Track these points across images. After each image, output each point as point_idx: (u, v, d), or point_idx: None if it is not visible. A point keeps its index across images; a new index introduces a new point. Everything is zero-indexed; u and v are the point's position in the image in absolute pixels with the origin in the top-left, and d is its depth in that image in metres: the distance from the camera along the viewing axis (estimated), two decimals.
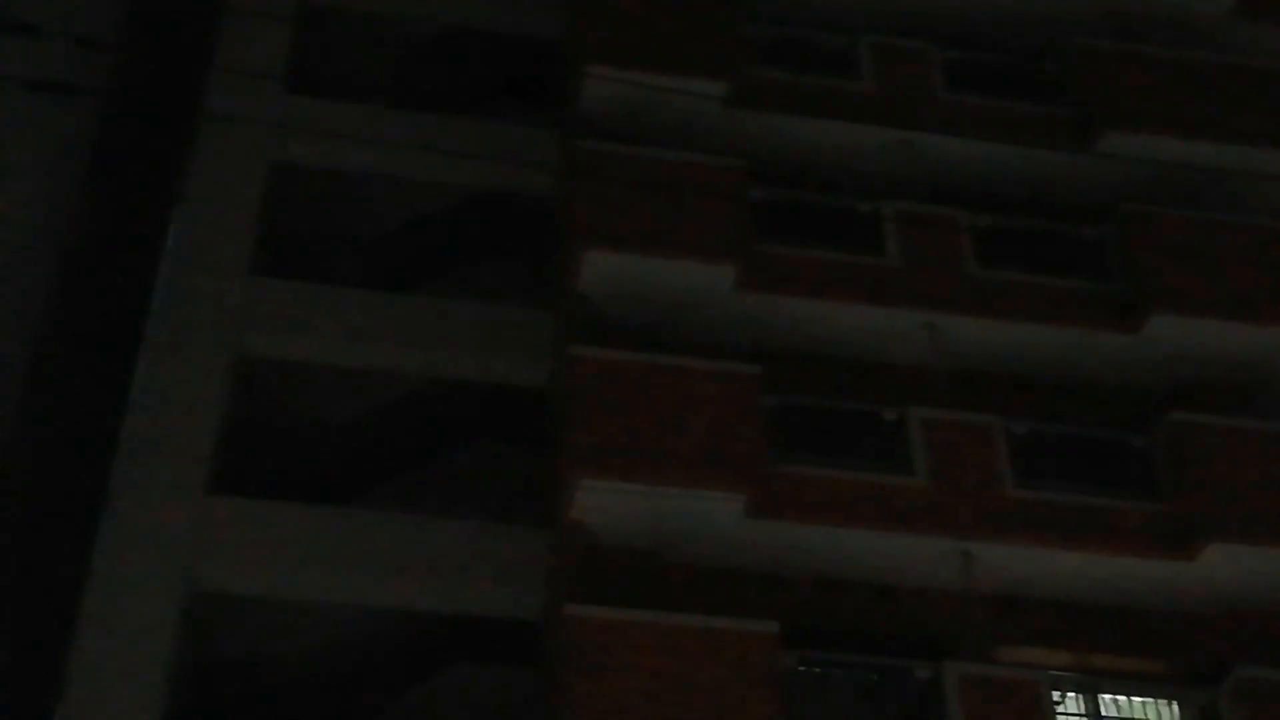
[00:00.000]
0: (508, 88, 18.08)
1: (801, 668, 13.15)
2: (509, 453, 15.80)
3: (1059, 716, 13.24)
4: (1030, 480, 14.12)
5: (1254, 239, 15.84)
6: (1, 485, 14.87)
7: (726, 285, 14.68)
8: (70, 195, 16.24)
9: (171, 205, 15.56)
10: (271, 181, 15.91)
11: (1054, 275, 15.48)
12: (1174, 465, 14.27)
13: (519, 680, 14.18)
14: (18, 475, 15.13)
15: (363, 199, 16.70)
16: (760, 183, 15.59)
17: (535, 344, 15.29)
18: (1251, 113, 16.66)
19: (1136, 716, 13.66)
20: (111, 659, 12.94)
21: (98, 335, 16.37)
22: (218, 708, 14.52)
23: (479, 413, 16.00)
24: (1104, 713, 13.59)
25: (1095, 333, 15.13)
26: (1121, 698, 13.73)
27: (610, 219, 14.76)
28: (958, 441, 14.20)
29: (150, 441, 14.04)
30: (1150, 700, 13.74)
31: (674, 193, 14.95)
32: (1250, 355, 15.25)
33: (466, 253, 16.94)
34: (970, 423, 14.36)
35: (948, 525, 13.65)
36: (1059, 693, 13.46)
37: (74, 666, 12.89)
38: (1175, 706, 13.71)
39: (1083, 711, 13.55)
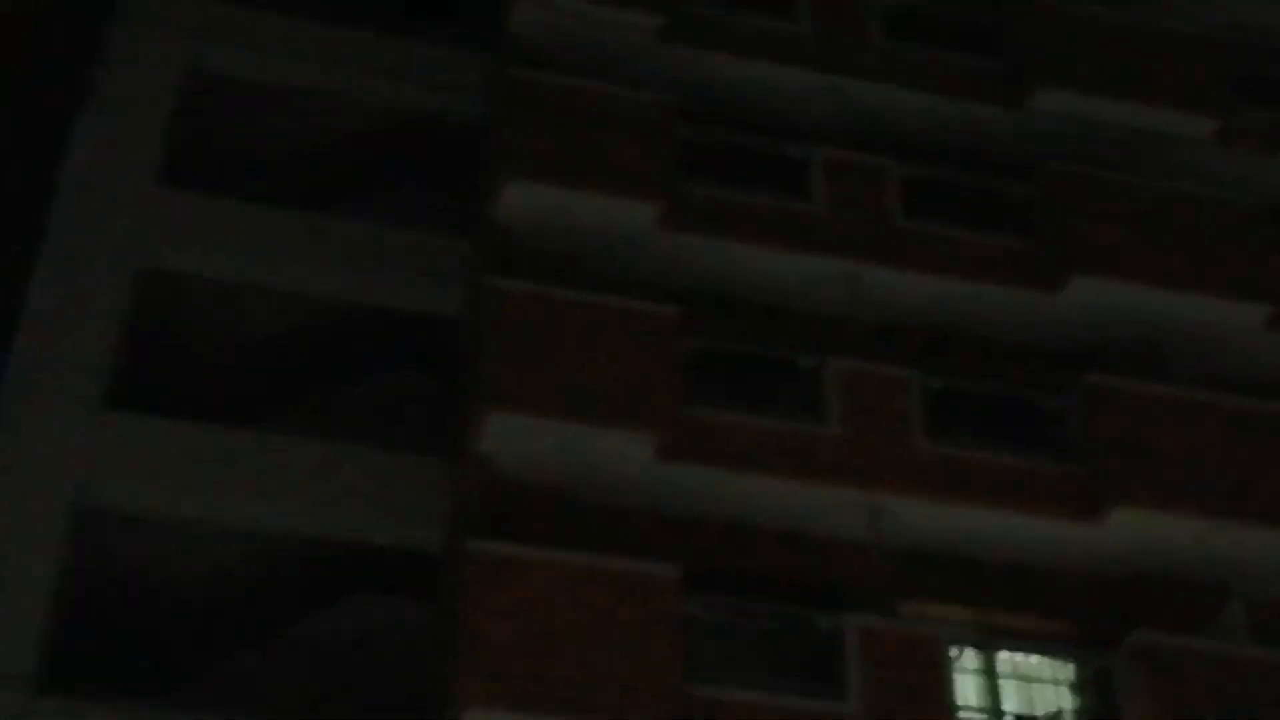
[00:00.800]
0: (429, 4, 17.71)
1: (703, 613, 13.06)
2: (418, 382, 15.59)
3: (955, 673, 13.26)
4: (943, 436, 14.09)
5: (1179, 204, 15.85)
6: None
7: (649, 223, 14.48)
8: None
9: (77, 109, 15.08)
10: (185, 90, 15.48)
11: (979, 231, 15.41)
12: (1086, 427, 14.29)
13: (417, 613, 14.02)
14: None
15: (281, 114, 16.29)
16: (690, 121, 15.38)
17: (451, 272, 15.06)
18: (1181, 76, 16.64)
19: (1032, 675, 13.74)
20: None
21: None
22: (107, 629, 14.27)
23: (390, 339, 15.76)
24: (1000, 670, 13.66)
25: (1017, 290, 15.07)
26: (1019, 656, 13.80)
27: (535, 149, 14.51)
28: (873, 394, 14.13)
29: (46, 353, 13.69)
30: (1047, 660, 13.83)
31: (602, 126, 14.75)
32: (1169, 320, 15.26)
33: (386, 176, 16.65)
34: (886, 375, 14.29)
35: (858, 477, 13.60)
36: (957, 648, 13.49)
37: None
38: (1071, 667, 13.80)
39: (979, 668, 13.60)
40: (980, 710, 13.33)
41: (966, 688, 13.37)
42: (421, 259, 15.11)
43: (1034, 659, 13.78)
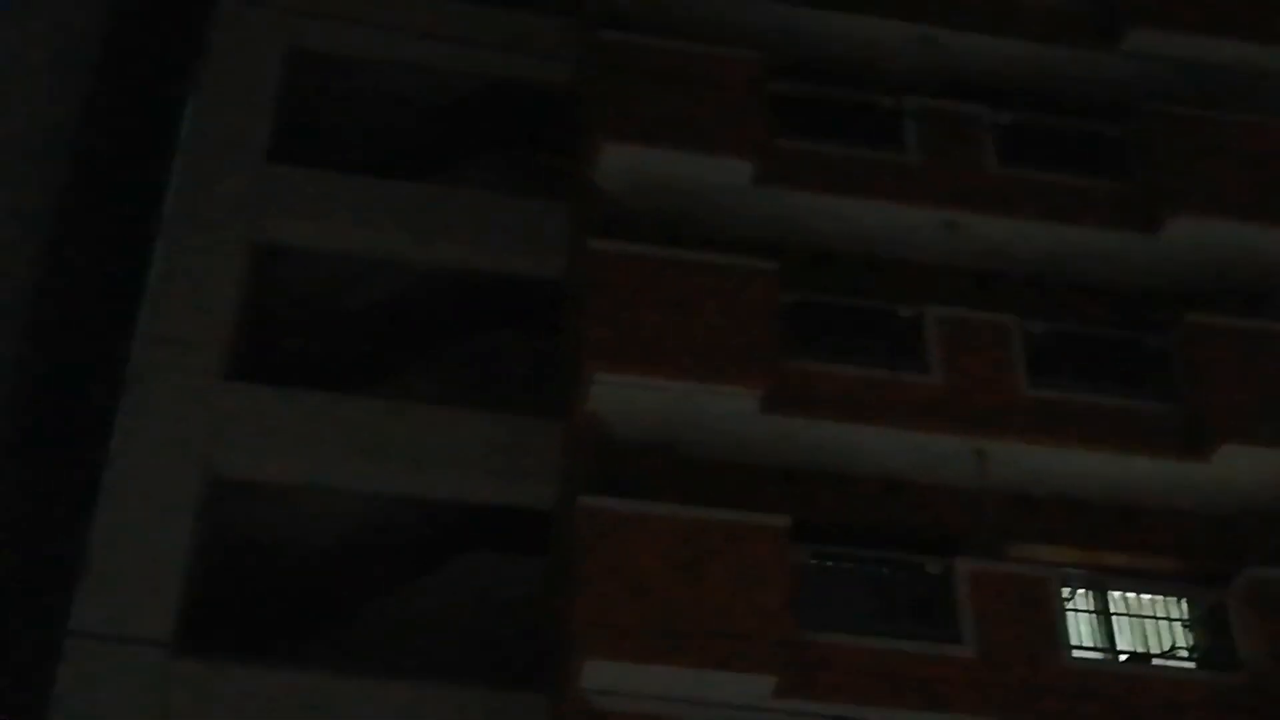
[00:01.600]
0: None
1: (813, 561, 13.25)
2: (524, 344, 15.82)
3: (1068, 613, 13.34)
4: (1045, 380, 14.13)
5: (1276, 140, 15.68)
6: (21, 375, 14.97)
7: (745, 180, 14.60)
8: (84, 86, 16.16)
9: (187, 93, 15.45)
10: (287, 68, 15.78)
11: (1075, 174, 15.37)
12: (1189, 366, 14.27)
13: (531, 569, 14.30)
14: (37, 364, 15.23)
15: (380, 87, 16.55)
16: (781, 77, 15.45)
17: (552, 236, 15.25)
18: (1276, 12, 16.44)
19: (1145, 614, 13.79)
20: (131, 544, 13.07)
21: (114, 225, 16.40)
22: (234, 593, 14.69)
23: (495, 303, 16.00)
24: (1113, 609, 13.72)
25: (1115, 232, 15.05)
26: (1131, 595, 13.86)
27: (629, 111, 14.66)
28: (973, 340, 14.20)
29: (168, 329, 14.06)
30: (1159, 598, 13.87)
31: (694, 85, 14.85)
32: (1269, 256, 15.17)
33: (484, 142, 16.82)
34: (987, 321, 14.35)
35: (961, 423, 13.69)
36: (1068, 589, 13.55)
37: (94, 551, 13.02)
38: (1184, 604, 13.83)
39: (1092, 608, 13.67)
40: (1095, 649, 13.41)
41: (1080, 627, 13.46)
42: (522, 223, 15.31)
43: (1146, 597, 13.84)
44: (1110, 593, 13.79)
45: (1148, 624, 13.76)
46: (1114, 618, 13.67)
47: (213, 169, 14.95)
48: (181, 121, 15.23)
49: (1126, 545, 13.93)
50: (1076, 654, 13.06)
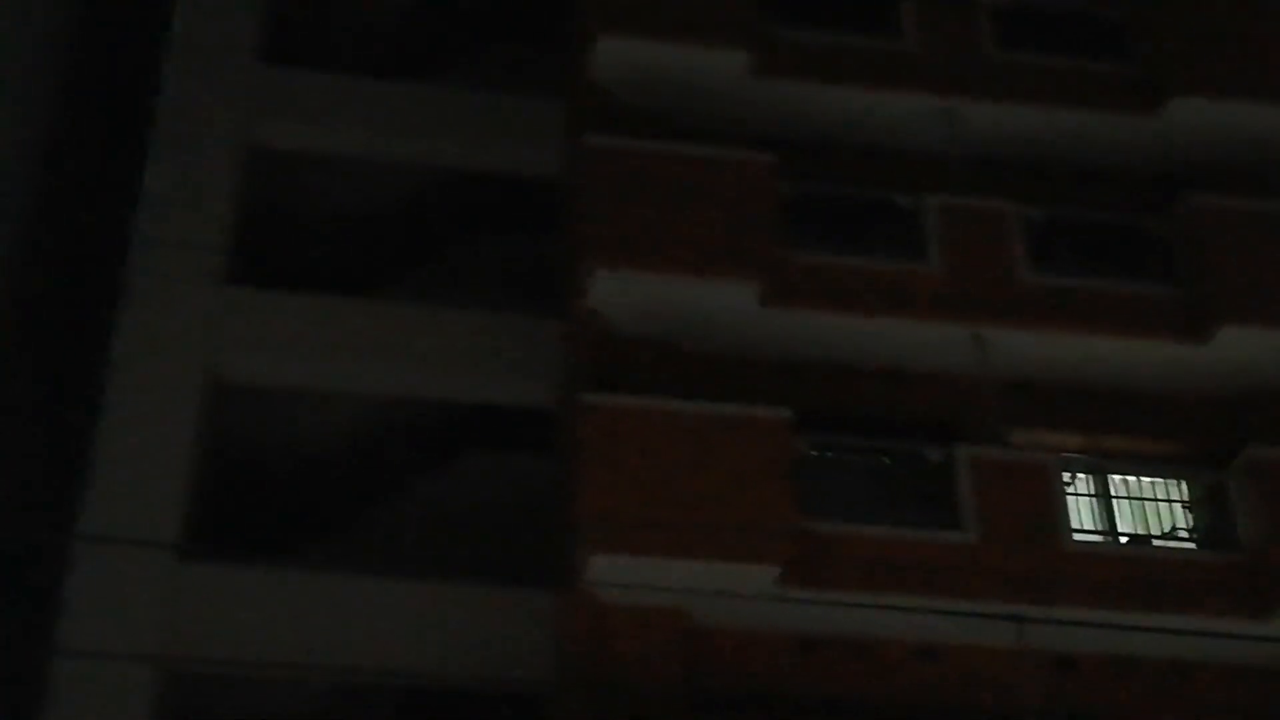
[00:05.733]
0: None
1: (814, 452, 13.29)
2: (523, 243, 15.77)
3: (1068, 497, 13.41)
4: (1046, 266, 14.08)
5: (1274, 19, 15.48)
6: (19, 282, 14.96)
7: (740, 71, 14.45)
8: None
9: None
10: None
11: (1073, 57, 15.20)
12: (1190, 248, 14.21)
13: (534, 467, 14.37)
14: (34, 271, 15.22)
15: None
16: None
17: (548, 133, 15.14)
18: None
19: (1145, 496, 13.86)
20: (135, 448, 13.13)
21: (106, 129, 16.29)
22: (240, 496, 14.79)
23: (493, 203, 15.93)
24: (1113, 493, 13.79)
25: (1114, 115, 14.90)
26: (1131, 478, 13.91)
27: (623, 4, 14.48)
28: (973, 228, 14.13)
29: (165, 233, 14.03)
30: (1159, 480, 13.93)
31: None
32: (1271, 136, 15.03)
33: (477, 40, 16.67)
34: (986, 209, 14.27)
35: (961, 311, 13.66)
36: (1069, 474, 13.60)
37: (99, 456, 13.08)
38: (1184, 486, 13.89)
39: (1092, 492, 13.74)
40: (1096, 533, 13.48)
41: (1081, 512, 13.53)
42: (519, 121, 15.22)
43: (1147, 480, 13.89)
44: (1110, 476, 13.85)
45: (1148, 506, 13.84)
46: (1114, 501, 13.74)
47: (204, 71, 14.83)
48: (172, 22, 15.06)
49: (1127, 429, 13.94)
50: (1078, 538, 13.12)
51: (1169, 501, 13.84)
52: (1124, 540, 13.54)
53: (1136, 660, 12.95)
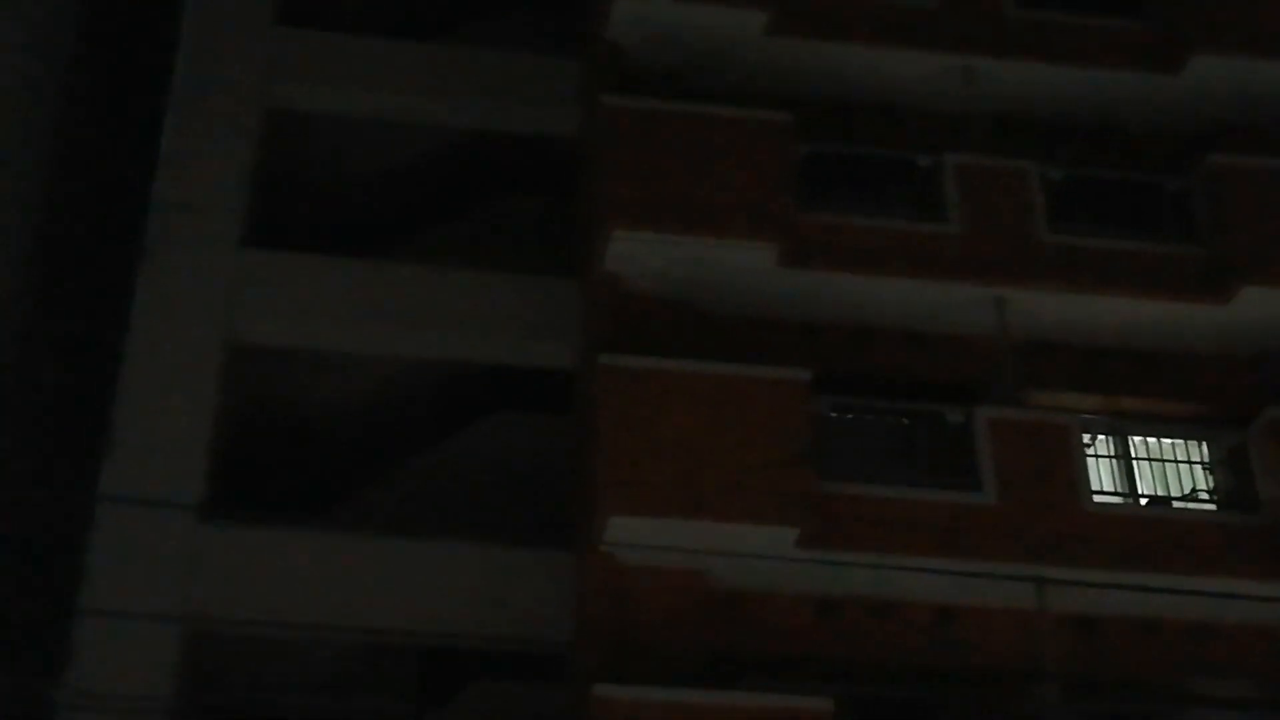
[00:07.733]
0: None
1: (834, 413, 13.29)
2: (541, 204, 15.74)
3: (1089, 458, 13.39)
4: (1065, 225, 14.02)
5: None
6: (39, 246, 15.00)
7: (757, 30, 14.37)
8: None
9: None
10: None
11: (1093, 15, 15.08)
12: (1210, 208, 14.13)
13: (554, 428, 14.40)
14: (53, 235, 15.25)
15: None
16: None
17: (565, 93, 15.09)
18: None
19: (1165, 458, 13.83)
20: (156, 410, 13.19)
21: (124, 92, 16.28)
22: (261, 458, 14.85)
23: (510, 164, 15.89)
24: (1133, 454, 13.77)
25: (1135, 74, 14.80)
26: (1151, 439, 13.89)
27: None
28: (993, 188, 14.07)
29: (183, 195, 14.05)
30: (1180, 441, 13.90)
31: None
32: None
33: (495, 2, 16.60)
34: (1005, 169, 14.20)
35: (981, 271, 13.62)
36: (1089, 435, 13.59)
37: (120, 418, 13.13)
38: (1204, 447, 13.86)
39: (1112, 453, 13.71)
40: (1116, 494, 13.48)
41: (1101, 473, 13.52)
42: (536, 81, 15.18)
43: (1167, 441, 13.87)
44: (1130, 437, 13.83)
45: (1168, 468, 13.83)
46: (1134, 462, 13.73)
47: (222, 32, 14.81)
48: None
49: (1147, 390, 13.90)
50: (1097, 499, 13.09)
51: (1189, 463, 13.84)
52: (1144, 502, 13.54)
53: (1156, 621, 12.97)
